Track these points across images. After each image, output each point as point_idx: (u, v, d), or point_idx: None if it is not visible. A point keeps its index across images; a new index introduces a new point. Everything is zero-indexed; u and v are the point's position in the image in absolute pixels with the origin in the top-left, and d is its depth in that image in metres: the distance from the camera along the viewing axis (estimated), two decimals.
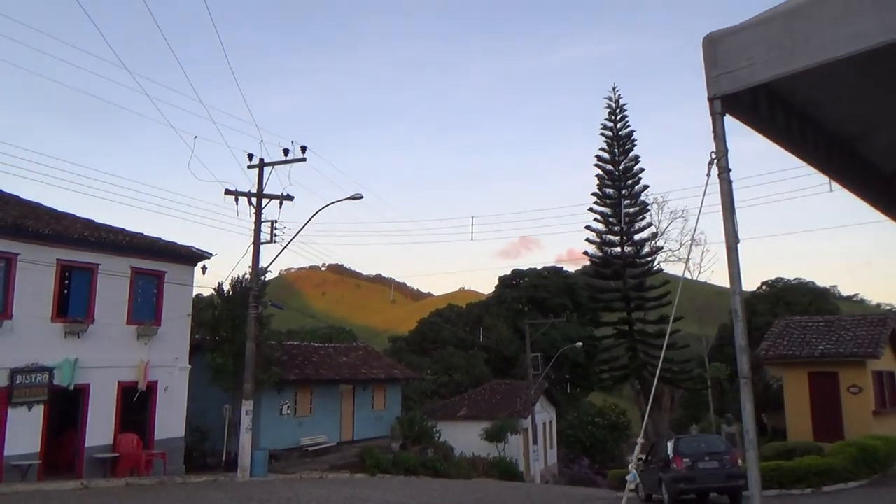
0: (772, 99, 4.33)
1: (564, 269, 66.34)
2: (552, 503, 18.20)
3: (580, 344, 45.39)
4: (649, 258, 29.59)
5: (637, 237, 30.02)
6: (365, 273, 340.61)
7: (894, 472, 19.87)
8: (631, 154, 30.54)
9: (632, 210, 29.79)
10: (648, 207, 29.92)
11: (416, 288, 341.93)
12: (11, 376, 17.48)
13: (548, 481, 41.49)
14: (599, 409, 53.70)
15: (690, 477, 15.92)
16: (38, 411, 18.00)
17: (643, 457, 19.88)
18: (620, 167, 30.56)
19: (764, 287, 76.75)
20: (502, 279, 69.22)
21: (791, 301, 66.68)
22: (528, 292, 63.44)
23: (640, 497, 19.48)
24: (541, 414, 44.03)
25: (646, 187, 30.28)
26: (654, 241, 29.62)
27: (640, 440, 5.84)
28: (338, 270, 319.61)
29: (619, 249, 30.02)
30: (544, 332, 49.61)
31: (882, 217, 4.98)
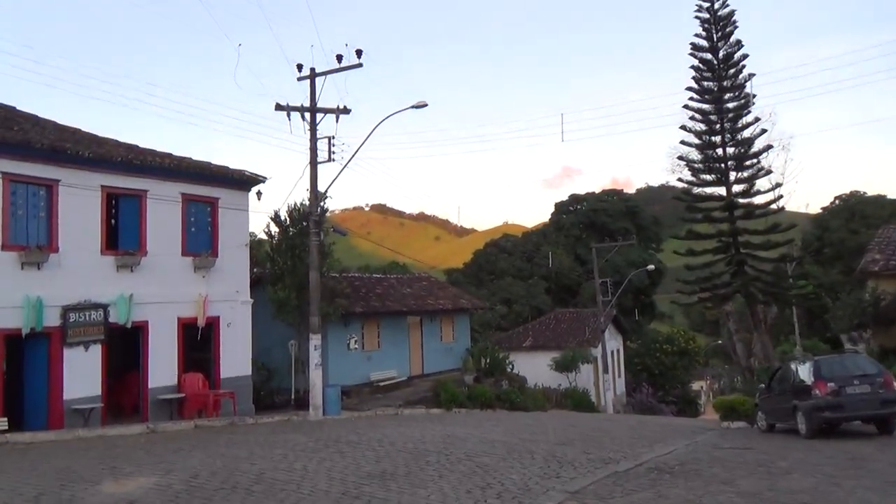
0: None
1: (624, 191, 63.01)
2: (662, 435, 16.21)
3: (652, 267, 42.90)
4: (756, 158, 26.23)
5: (742, 135, 26.58)
6: (407, 211, 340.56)
7: None
8: (732, 39, 26.85)
9: (734, 104, 26.34)
10: (753, 101, 26.39)
11: (459, 224, 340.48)
12: (64, 314, 16.00)
13: (618, 411, 39.95)
14: (668, 334, 51.60)
15: (837, 404, 13.64)
16: (96, 351, 16.59)
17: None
18: (720, 55, 26.92)
19: (837, 202, 72.19)
20: (559, 205, 66.47)
21: (869, 215, 62.38)
22: (588, 217, 60.68)
23: (760, 428, 17.35)
24: (609, 342, 42.14)
25: (751, 76, 26.62)
26: (761, 137, 26.07)
27: None
28: (381, 210, 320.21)
29: (720, 151, 26.69)
30: (607, 258, 47.22)
31: None
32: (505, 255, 59.40)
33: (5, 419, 14.50)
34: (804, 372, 14.70)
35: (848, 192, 72.16)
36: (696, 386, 60.18)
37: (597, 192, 64.70)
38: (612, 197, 63.09)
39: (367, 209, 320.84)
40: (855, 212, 64.76)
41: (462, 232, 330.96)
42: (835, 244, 62.35)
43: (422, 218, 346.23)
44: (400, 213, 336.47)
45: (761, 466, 10.93)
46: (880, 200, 66.38)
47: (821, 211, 70.26)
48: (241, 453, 10.79)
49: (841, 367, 14.33)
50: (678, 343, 49.15)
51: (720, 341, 79.71)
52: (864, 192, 69.27)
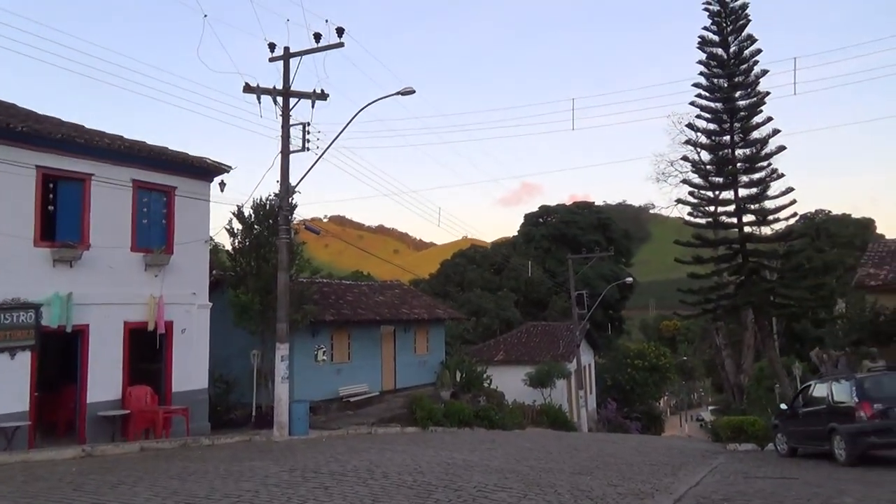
0: None
1: (596, 203, 61.97)
2: (675, 459, 14.49)
3: (631, 279, 41.62)
4: (768, 160, 24.79)
5: (753, 136, 25.13)
6: (367, 224, 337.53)
7: None
8: (744, 33, 25.42)
9: (746, 102, 24.93)
10: (765, 100, 24.91)
11: (418, 238, 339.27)
12: None
13: (590, 428, 38.50)
14: (638, 349, 50.41)
15: (886, 428, 12.08)
16: (24, 359, 14.05)
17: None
18: (731, 50, 25.50)
19: (801, 220, 72.43)
20: (528, 216, 65.02)
21: (834, 233, 62.63)
22: (559, 229, 59.30)
23: (780, 451, 15.78)
24: (582, 357, 40.68)
25: (764, 72, 25.20)
26: (774, 137, 24.61)
27: None
28: (340, 222, 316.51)
29: (729, 151, 25.14)
30: (579, 271, 45.87)
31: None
32: (473, 266, 57.57)
33: None
34: (842, 391, 13.16)
35: (813, 209, 72.54)
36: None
37: (568, 204, 63.53)
38: (584, 210, 61.99)
39: (325, 220, 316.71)
40: (820, 230, 64.94)
41: (420, 245, 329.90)
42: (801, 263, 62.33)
43: (381, 231, 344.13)
44: (359, 226, 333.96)
45: None
46: (845, 219, 66.79)
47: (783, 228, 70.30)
48: (199, 489, 8.58)
49: (888, 385, 12.79)
50: (649, 358, 48.07)
51: (685, 357, 79.42)
52: (829, 211, 69.68)
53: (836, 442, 12.97)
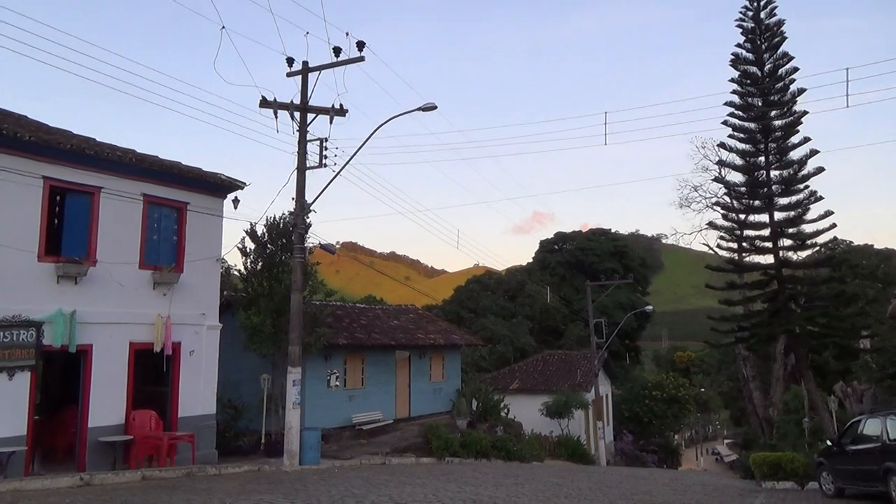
0: None
1: (612, 230, 61.04)
2: (713, 499, 13.46)
3: (651, 307, 40.66)
4: (806, 182, 23.85)
5: (789, 157, 24.27)
6: (378, 250, 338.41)
7: None
8: (780, 50, 24.72)
9: (781, 122, 24.14)
10: (802, 119, 24.05)
11: (430, 265, 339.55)
12: None
13: (609, 461, 37.24)
14: (656, 380, 49.16)
15: None
16: (23, 380, 13.29)
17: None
18: (766, 68, 24.78)
19: (822, 250, 71.01)
20: (543, 243, 64.10)
21: (857, 264, 61.18)
22: (575, 256, 58.35)
23: (825, 491, 14.71)
24: (600, 387, 39.58)
25: (802, 91, 24.39)
26: (812, 158, 23.67)
27: None
28: (351, 248, 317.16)
29: (764, 173, 24.27)
30: (596, 299, 44.95)
31: None
32: (487, 292, 56.61)
33: None
34: None
35: (830, 238, 71.11)
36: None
37: (584, 231, 62.70)
38: (600, 237, 61.09)
39: (337, 246, 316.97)
40: (842, 260, 63.56)
41: (432, 272, 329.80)
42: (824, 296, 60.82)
43: (392, 257, 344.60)
44: (371, 252, 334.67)
45: None
46: (867, 250, 65.36)
47: (815, 253, 68.92)
48: None
49: None
50: (668, 389, 46.83)
51: (702, 388, 77.67)
52: (851, 241, 68.25)
53: (892, 483, 11.94)
